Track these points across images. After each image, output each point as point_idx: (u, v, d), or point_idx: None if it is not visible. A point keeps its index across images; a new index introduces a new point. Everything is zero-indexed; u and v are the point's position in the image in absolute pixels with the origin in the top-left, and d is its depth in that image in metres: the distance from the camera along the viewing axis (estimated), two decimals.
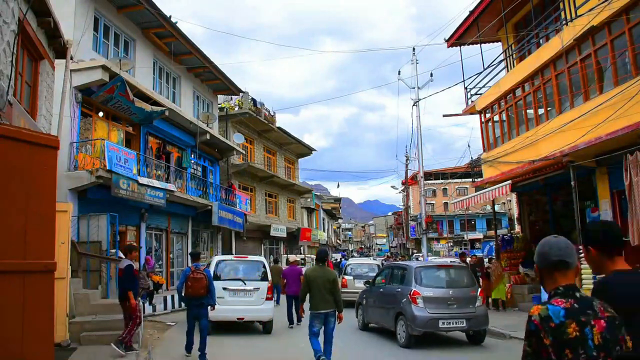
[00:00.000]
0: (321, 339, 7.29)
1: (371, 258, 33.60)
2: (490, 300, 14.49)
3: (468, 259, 16.39)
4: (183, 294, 8.02)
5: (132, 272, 7.77)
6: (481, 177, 17.92)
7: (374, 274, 12.74)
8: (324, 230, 45.68)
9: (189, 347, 8.12)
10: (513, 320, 12.03)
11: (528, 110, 14.97)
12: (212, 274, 10.49)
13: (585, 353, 1.89)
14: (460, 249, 54.31)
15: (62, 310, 7.30)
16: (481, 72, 16.63)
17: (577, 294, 2.03)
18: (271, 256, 26.43)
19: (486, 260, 17.97)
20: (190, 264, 8.40)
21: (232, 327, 10.83)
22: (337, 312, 7.30)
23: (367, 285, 11.60)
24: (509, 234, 24.66)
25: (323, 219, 47.11)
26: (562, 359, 1.89)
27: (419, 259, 26.35)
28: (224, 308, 10.28)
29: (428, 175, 45.78)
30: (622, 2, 10.39)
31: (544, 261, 2.19)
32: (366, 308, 11.14)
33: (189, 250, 18.64)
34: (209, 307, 8.13)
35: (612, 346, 1.93)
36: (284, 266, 18.08)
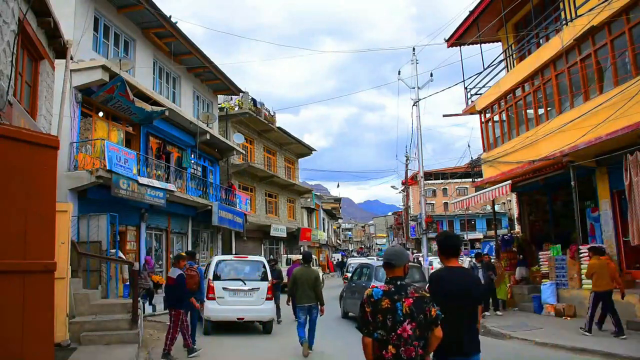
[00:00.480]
0: (307, 328, 8.50)
1: (374, 258, 33.71)
2: (490, 300, 14.45)
3: (493, 259, 15.29)
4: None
5: (184, 282, 8.19)
6: (481, 177, 17.92)
7: None
8: (324, 230, 45.67)
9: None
10: (513, 320, 12.03)
11: (528, 110, 14.97)
12: (212, 274, 10.60)
13: (393, 318, 3.03)
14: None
15: (62, 310, 7.28)
16: (481, 72, 16.64)
17: (398, 282, 3.19)
18: (271, 256, 26.42)
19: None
20: (186, 263, 8.98)
21: (232, 327, 10.83)
22: (319, 305, 8.51)
23: (346, 281, 14.53)
24: (509, 234, 24.66)
25: (323, 219, 47.09)
26: (376, 320, 3.06)
27: (419, 259, 26.38)
28: (224, 308, 10.30)
29: (428, 175, 45.76)
30: (622, 2, 10.39)
31: (383, 261, 3.42)
32: (345, 300, 13.57)
33: (189, 249, 18.76)
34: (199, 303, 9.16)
35: (417, 315, 3.05)
36: (283, 267, 18.08)
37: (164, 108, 15.19)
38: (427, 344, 3.12)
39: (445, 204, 55.74)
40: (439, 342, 3.16)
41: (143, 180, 13.71)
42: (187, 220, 18.88)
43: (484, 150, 17.32)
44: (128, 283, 12.32)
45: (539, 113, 14.14)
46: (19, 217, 4.01)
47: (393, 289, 3.13)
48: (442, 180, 57.08)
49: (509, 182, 14.31)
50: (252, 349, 9.33)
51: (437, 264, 28.80)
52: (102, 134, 13.98)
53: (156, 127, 16.49)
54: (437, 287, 3.54)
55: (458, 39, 17.43)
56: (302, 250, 34.36)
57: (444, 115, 19.57)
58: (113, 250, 12.04)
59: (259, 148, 28.26)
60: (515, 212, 36.99)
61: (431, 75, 19.87)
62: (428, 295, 3.20)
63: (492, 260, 15.62)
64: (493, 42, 17.44)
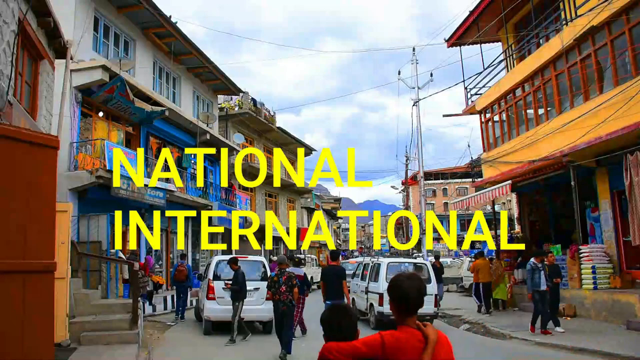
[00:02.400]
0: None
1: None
2: (490, 300, 14.46)
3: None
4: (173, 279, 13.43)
5: (307, 277, 11.48)
6: (481, 177, 17.92)
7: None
8: None
9: (177, 312, 13.14)
10: (513, 320, 12.03)
11: (528, 110, 14.98)
12: (212, 274, 10.64)
13: (277, 284, 8.29)
14: (460, 248, 54.20)
15: (62, 310, 7.28)
16: (481, 72, 16.64)
17: (281, 270, 8.52)
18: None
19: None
20: (179, 261, 13.73)
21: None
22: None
23: None
24: (509, 234, 24.64)
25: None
26: (271, 285, 8.47)
27: (419, 258, 26.20)
28: (224, 308, 10.27)
29: (428, 175, 45.70)
30: (622, 2, 10.40)
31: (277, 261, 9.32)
32: None
33: (189, 249, 18.97)
34: (189, 288, 13.66)
35: (287, 283, 8.26)
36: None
37: (164, 108, 15.18)
38: (291, 294, 8.21)
39: (445, 204, 55.68)
40: (297, 294, 8.45)
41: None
42: (187, 220, 18.87)
43: (484, 150, 17.32)
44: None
45: (539, 113, 14.14)
46: (19, 217, 4.01)
47: (279, 273, 8.37)
48: (442, 180, 57.04)
49: (509, 182, 14.31)
50: (252, 349, 9.32)
51: None
52: (102, 134, 13.96)
53: (156, 127, 16.48)
54: (325, 272, 9.21)
55: (458, 39, 17.43)
56: (312, 250, 34.41)
57: (444, 115, 19.60)
58: (113, 251, 12.02)
59: (259, 148, 28.24)
60: (515, 212, 36.94)
61: (431, 75, 19.87)
62: (294, 275, 8.57)
63: (493, 260, 15.55)
64: (493, 42, 17.44)
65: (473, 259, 16.94)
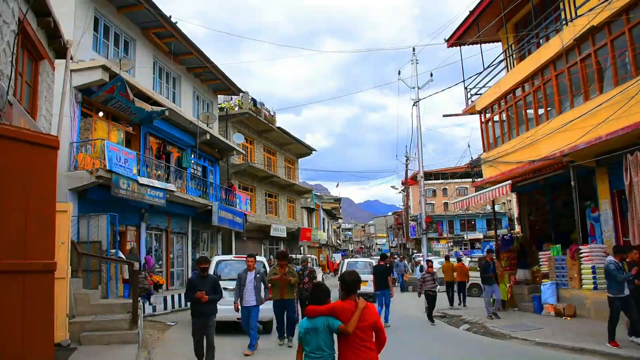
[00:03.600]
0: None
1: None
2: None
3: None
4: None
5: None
6: (481, 177, 17.92)
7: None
8: (324, 230, 45.65)
9: None
10: (513, 320, 12.03)
11: (528, 110, 14.97)
12: (210, 272, 10.63)
13: (302, 277, 10.94)
14: (461, 248, 54.29)
15: (62, 310, 7.28)
16: (481, 72, 16.63)
17: (306, 266, 11.61)
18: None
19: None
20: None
21: (232, 327, 10.82)
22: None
23: None
24: (509, 234, 24.65)
25: (323, 219, 47.06)
26: (298, 276, 10.35)
27: (419, 259, 26.43)
28: (224, 308, 10.23)
29: (428, 175, 45.76)
30: (622, 2, 10.39)
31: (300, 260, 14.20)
32: None
33: (189, 249, 18.99)
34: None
35: (309, 276, 11.17)
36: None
37: (164, 108, 15.18)
38: (311, 282, 10.49)
39: (445, 204, 55.72)
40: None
41: (143, 180, 13.70)
42: (187, 220, 18.87)
43: (484, 150, 17.32)
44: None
45: (539, 113, 14.14)
46: (19, 217, 4.01)
47: (303, 268, 11.27)
48: (442, 180, 57.11)
49: (509, 182, 14.31)
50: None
51: (437, 263, 29.06)
52: (102, 134, 13.97)
53: (156, 127, 16.48)
54: (376, 268, 12.51)
55: (458, 39, 17.43)
56: (312, 250, 34.48)
57: (444, 115, 19.59)
58: (113, 250, 12.02)
59: (259, 148, 28.25)
60: (515, 212, 36.96)
61: (431, 75, 19.88)
62: (315, 270, 12.46)
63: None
64: (493, 42, 17.43)
65: (475, 259, 17.06)
